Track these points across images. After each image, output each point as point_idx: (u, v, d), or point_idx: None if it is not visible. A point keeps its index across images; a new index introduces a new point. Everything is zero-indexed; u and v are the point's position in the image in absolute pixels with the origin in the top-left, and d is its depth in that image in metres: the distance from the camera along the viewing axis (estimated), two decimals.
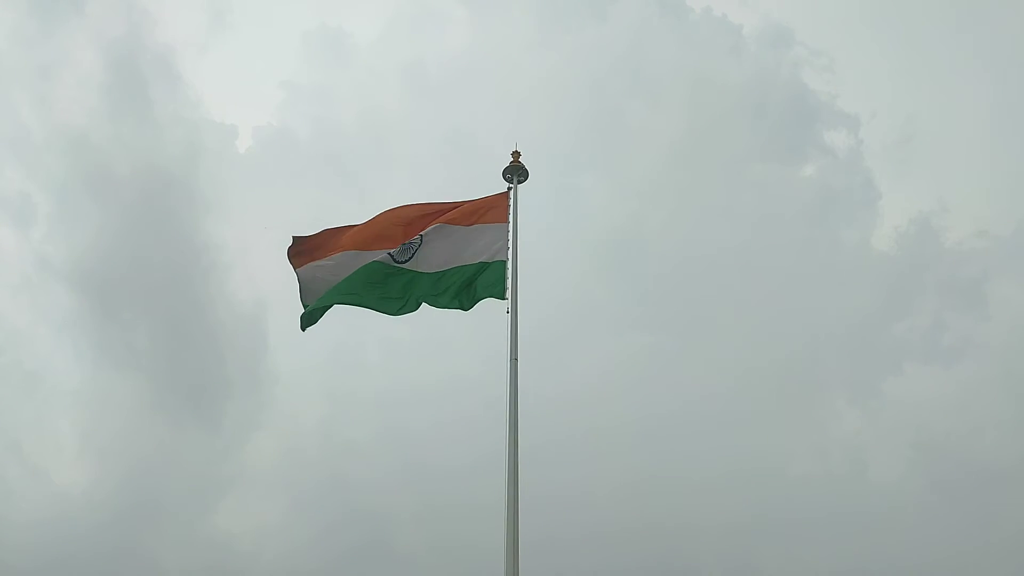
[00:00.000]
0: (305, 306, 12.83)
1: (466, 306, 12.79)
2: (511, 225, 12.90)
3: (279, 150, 36.15)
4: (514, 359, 11.73)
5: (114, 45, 34.08)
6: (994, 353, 30.53)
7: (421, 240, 12.93)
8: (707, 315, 31.33)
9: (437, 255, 12.89)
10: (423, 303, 12.90)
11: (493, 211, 13.08)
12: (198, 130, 34.56)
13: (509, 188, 13.33)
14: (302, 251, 13.00)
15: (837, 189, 35.75)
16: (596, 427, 27.23)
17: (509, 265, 12.56)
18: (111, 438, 29.62)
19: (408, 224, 13.05)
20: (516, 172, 13.43)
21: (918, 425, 29.41)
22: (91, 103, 34.45)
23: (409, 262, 12.84)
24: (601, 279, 32.03)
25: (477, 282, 12.70)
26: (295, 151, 36.01)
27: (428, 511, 26.28)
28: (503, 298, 12.31)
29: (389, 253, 12.85)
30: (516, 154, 13.56)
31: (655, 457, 26.88)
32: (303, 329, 12.94)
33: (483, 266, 12.74)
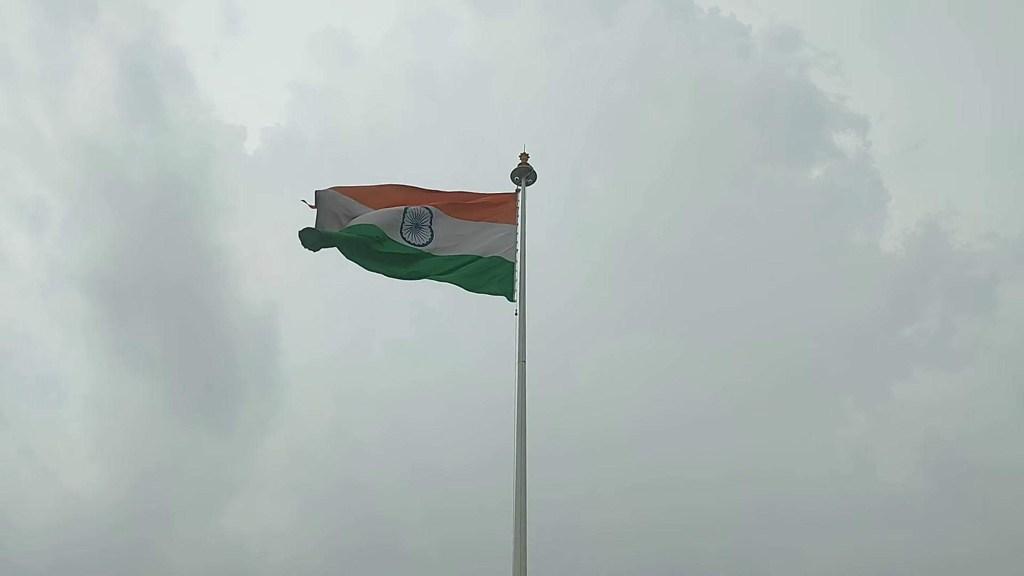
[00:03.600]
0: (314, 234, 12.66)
1: (471, 287, 12.76)
2: (520, 227, 12.94)
3: (287, 151, 36.36)
4: (522, 361, 11.74)
5: (127, 51, 34.42)
6: (1003, 355, 30.50)
7: (432, 233, 13.00)
8: (714, 316, 31.39)
9: (446, 241, 12.94)
10: (428, 278, 12.93)
11: (501, 211, 13.12)
12: (209, 134, 34.86)
13: (518, 190, 13.37)
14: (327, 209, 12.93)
15: (845, 191, 35.81)
16: (603, 427, 27.31)
17: (517, 267, 12.60)
18: (123, 442, 29.84)
19: (421, 201, 13.15)
20: (524, 174, 13.43)
21: (926, 427, 29.42)
22: (104, 108, 34.78)
23: (423, 247, 12.92)
24: (607, 280, 32.11)
25: (487, 273, 12.72)
26: (303, 152, 36.19)
27: (436, 514, 26.37)
28: (512, 300, 12.35)
29: (402, 235, 12.89)
30: (524, 156, 13.55)
31: (662, 458, 26.94)
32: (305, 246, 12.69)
33: (495, 260, 12.77)
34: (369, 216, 12.84)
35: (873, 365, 31.31)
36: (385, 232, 12.77)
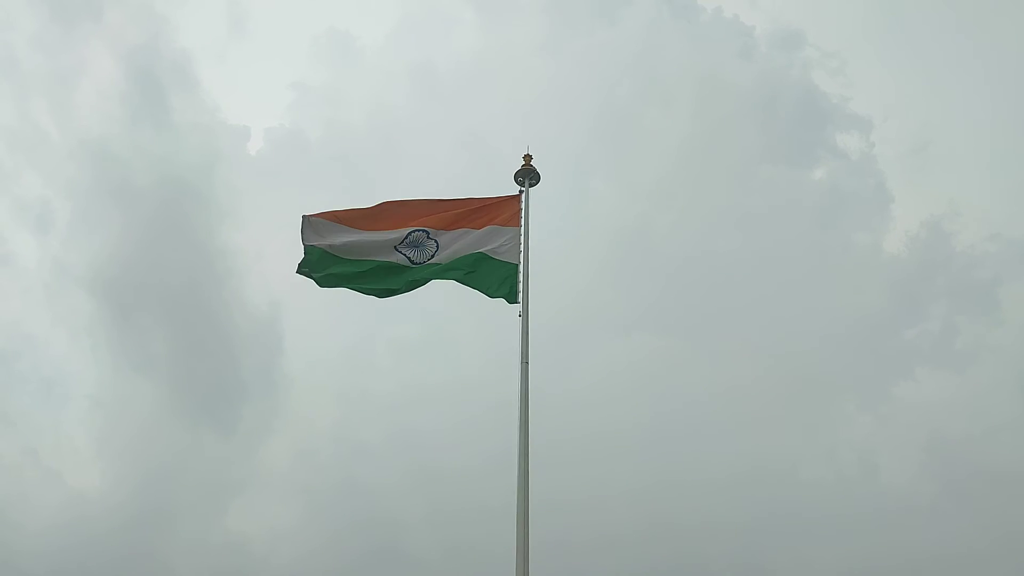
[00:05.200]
0: (308, 268, 12.82)
1: (470, 284, 12.79)
2: (523, 229, 12.91)
3: (290, 151, 36.45)
4: (525, 362, 11.72)
5: (133, 52, 34.55)
6: (1006, 356, 30.44)
7: (437, 245, 12.99)
8: (717, 317, 31.39)
9: (449, 248, 12.95)
10: (430, 280, 12.96)
11: (505, 214, 13.11)
12: (214, 135, 34.92)
13: (521, 191, 13.34)
14: (315, 231, 12.96)
15: (848, 192, 35.81)
16: (605, 428, 27.31)
17: (521, 269, 12.57)
18: (127, 442, 29.92)
19: (420, 218, 13.13)
20: (528, 175, 13.38)
21: (930, 428, 29.39)
22: (110, 109, 34.88)
23: (426, 262, 12.93)
24: (610, 281, 32.13)
25: (491, 275, 12.71)
26: (306, 152, 36.26)
27: (439, 515, 26.40)
28: (516, 301, 12.33)
29: (407, 256, 12.92)
30: (528, 157, 13.49)
31: (665, 459, 26.94)
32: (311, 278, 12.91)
33: (498, 263, 12.75)
34: (359, 248, 12.86)
35: (876, 366, 31.33)
36: (377, 259, 12.83)
